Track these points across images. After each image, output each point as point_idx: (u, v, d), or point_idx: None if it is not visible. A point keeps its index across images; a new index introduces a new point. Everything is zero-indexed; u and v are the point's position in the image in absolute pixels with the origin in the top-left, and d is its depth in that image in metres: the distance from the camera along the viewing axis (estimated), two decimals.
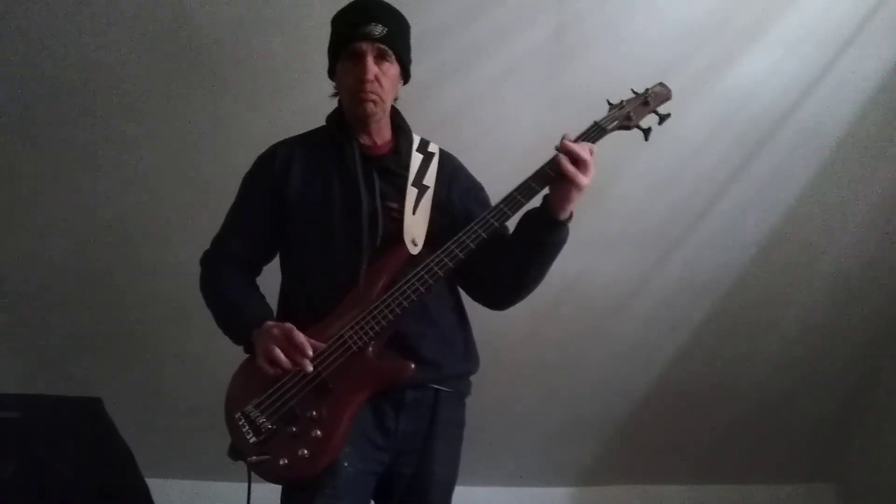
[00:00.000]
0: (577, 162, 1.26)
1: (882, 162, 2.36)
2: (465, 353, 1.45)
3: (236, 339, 1.38)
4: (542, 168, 1.31)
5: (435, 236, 1.39)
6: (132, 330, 2.39)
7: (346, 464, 1.28)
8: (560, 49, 2.15)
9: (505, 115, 2.23)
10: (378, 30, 1.35)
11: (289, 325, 1.28)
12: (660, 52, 2.15)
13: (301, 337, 1.26)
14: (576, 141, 1.31)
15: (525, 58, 2.15)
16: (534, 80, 2.19)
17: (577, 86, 2.18)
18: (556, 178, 1.28)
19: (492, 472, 2.66)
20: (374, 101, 1.38)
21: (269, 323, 1.31)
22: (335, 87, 1.47)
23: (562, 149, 1.27)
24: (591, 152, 1.29)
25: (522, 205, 1.31)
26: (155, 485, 1.99)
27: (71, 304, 2.36)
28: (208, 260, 1.48)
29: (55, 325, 2.38)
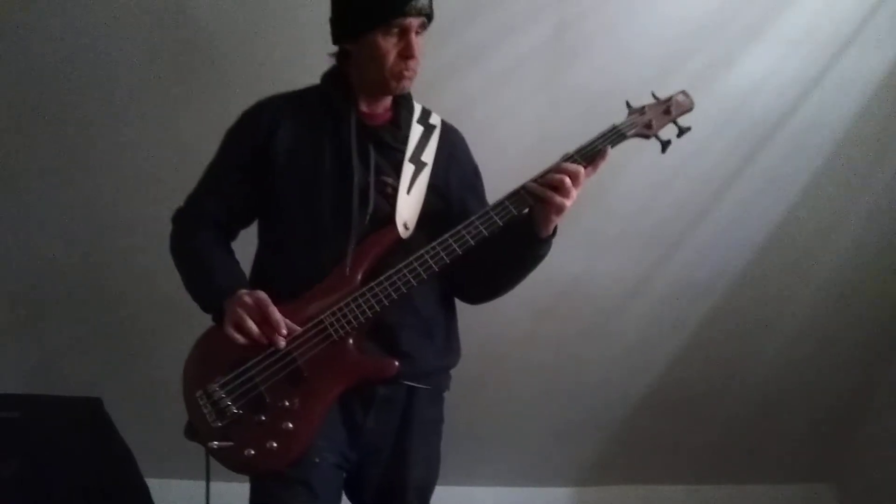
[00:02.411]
0: (554, 187, 1.20)
1: (882, 162, 2.36)
2: (446, 346, 1.38)
3: (205, 306, 1.30)
4: (518, 189, 1.24)
5: (427, 219, 1.31)
6: (132, 330, 2.39)
7: (316, 459, 1.22)
8: (560, 49, 2.14)
9: (505, 115, 2.22)
10: (424, 1, 1.26)
11: (263, 295, 1.20)
12: (660, 52, 2.15)
13: (276, 313, 1.18)
14: (589, 144, 1.25)
15: (525, 58, 2.15)
16: (534, 80, 2.19)
17: (577, 86, 2.18)
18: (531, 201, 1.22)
19: (492, 472, 2.66)
20: (410, 78, 1.31)
21: (243, 290, 1.22)
22: (338, 53, 1.36)
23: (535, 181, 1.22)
24: (577, 176, 1.20)
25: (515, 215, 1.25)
26: (155, 485, 1.99)
27: (71, 304, 2.35)
28: (181, 218, 1.40)
29: (55, 325, 2.38)
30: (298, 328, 1.20)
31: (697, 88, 2.20)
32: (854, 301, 2.55)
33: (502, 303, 2.25)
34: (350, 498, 1.37)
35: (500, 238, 1.29)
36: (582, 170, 1.22)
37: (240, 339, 1.18)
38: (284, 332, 1.18)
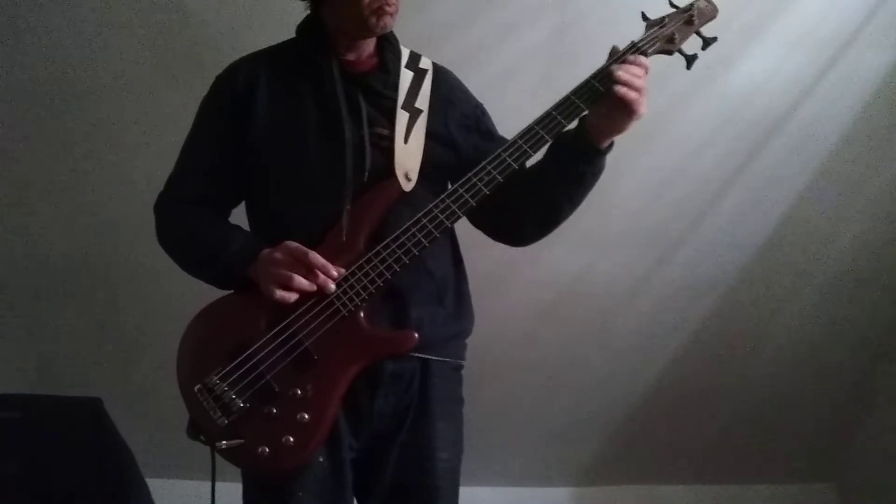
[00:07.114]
0: (635, 88, 1.08)
1: (882, 162, 2.36)
2: (457, 310, 1.24)
3: (226, 281, 1.17)
4: (590, 81, 1.10)
5: (430, 169, 1.20)
6: (132, 330, 2.39)
7: (321, 458, 1.10)
8: (561, 49, 2.14)
9: (505, 116, 2.22)
10: None
11: (294, 244, 1.08)
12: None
13: (318, 257, 1.06)
14: (621, 58, 1.13)
15: (525, 58, 2.15)
16: (534, 80, 2.19)
17: None
18: (606, 98, 1.08)
19: (492, 472, 2.66)
20: (392, 14, 1.18)
21: (266, 249, 1.10)
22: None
23: (618, 78, 1.07)
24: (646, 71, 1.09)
25: (547, 142, 1.13)
26: (155, 485, 1.99)
27: (71, 305, 2.35)
28: (163, 203, 1.28)
29: (55, 325, 2.38)
30: (344, 270, 1.08)
31: (697, 89, 2.24)
32: (855, 300, 2.55)
33: (502, 303, 2.27)
34: (354, 490, 1.22)
35: (548, 164, 1.18)
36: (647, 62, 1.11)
37: (290, 297, 1.06)
38: (335, 273, 1.07)
